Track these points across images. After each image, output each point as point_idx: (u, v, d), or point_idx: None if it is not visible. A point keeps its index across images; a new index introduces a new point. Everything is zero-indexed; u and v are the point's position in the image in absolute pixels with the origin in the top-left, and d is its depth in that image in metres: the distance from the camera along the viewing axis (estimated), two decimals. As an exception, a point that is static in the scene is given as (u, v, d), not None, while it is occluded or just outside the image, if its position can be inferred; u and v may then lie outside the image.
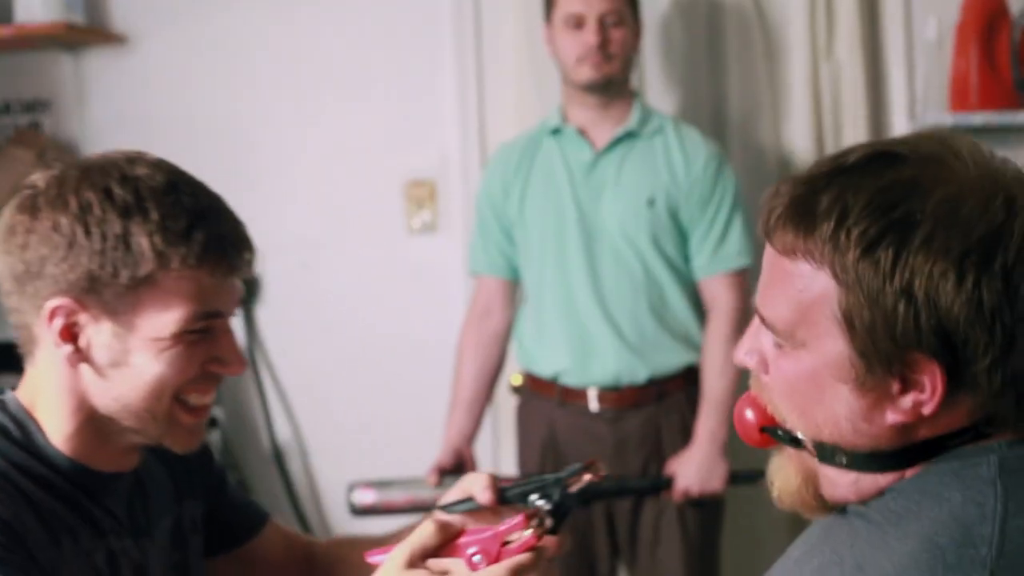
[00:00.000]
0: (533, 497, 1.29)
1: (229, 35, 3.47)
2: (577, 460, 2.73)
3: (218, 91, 3.49)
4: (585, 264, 2.69)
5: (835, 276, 1.02)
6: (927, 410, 1.03)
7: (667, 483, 2.64)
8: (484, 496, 1.32)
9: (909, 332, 1.00)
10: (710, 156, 2.71)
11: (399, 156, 3.39)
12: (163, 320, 1.28)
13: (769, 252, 1.09)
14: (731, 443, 2.66)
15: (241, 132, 3.48)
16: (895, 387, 1.03)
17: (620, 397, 2.69)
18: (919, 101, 3.09)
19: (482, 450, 3.11)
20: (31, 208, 1.28)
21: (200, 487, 1.52)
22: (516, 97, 3.24)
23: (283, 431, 3.51)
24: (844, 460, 1.08)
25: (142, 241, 1.25)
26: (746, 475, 2.68)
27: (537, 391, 2.77)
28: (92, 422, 1.32)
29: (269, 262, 3.45)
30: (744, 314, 2.67)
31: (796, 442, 1.11)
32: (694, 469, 2.62)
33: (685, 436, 2.67)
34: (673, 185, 2.69)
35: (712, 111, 3.17)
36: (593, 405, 2.69)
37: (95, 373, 1.30)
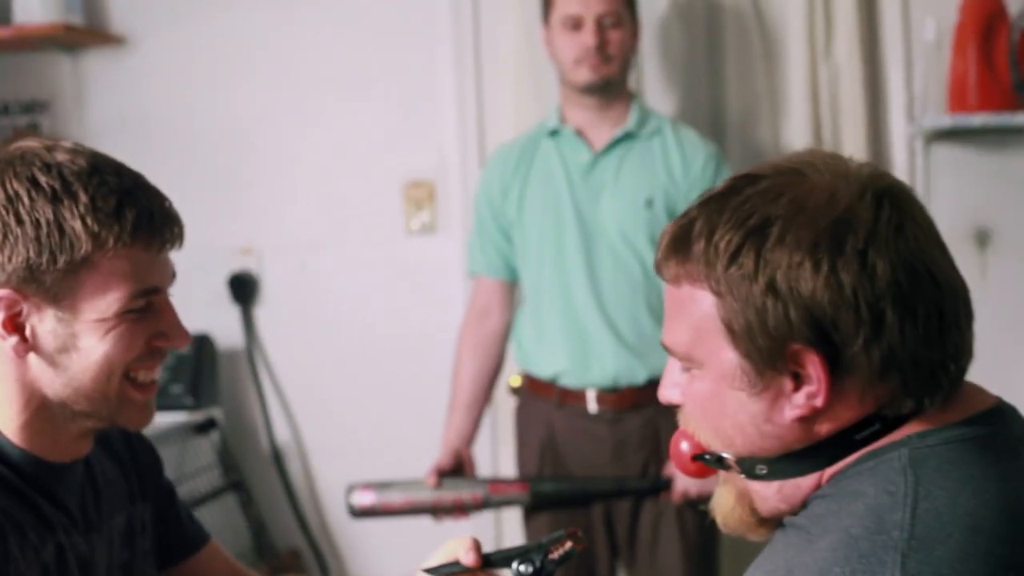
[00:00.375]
0: (515, 564, 1.35)
1: (228, 36, 3.48)
2: (576, 462, 2.76)
3: (217, 92, 3.49)
4: (584, 265, 2.69)
5: (712, 290, 1.10)
6: (819, 402, 1.08)
7: (666, 484, 2.64)
8: (468, 558, 1.36)
9: (781, 325, 1.06)
10: (708, 157, 2.71)
11: (398, 157, 3.40)
12: (105, 301, 1.30)
13: (665, 288, 1.16)
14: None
15: (240, 133, 3.48)
16: (788, 386, 1.09)
17: (619, 398, 2.68)
18: (917, 102, 3.09)
19: (481, 451, 3.11)
20: None
21: (151, 491, 1.53)
22: (515, 98, 3.24)
23: (282, 432, 3.51)
24: (764, 470, 1.14)
25: (75, 224, 1.27)
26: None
27: (535, 392, 2.77)
28: (43, 411, 1.33)
29: (268, 262, 3.46)
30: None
31: (722, 462, 1.16)
32: (693, 470, 2.62)
33: (684, 437, 2.67)
34: (671, 186, 2.69)
35: (711, 112, 3.17)
36: (592, 407, 2.69)
37: (43, 362, 1.31)
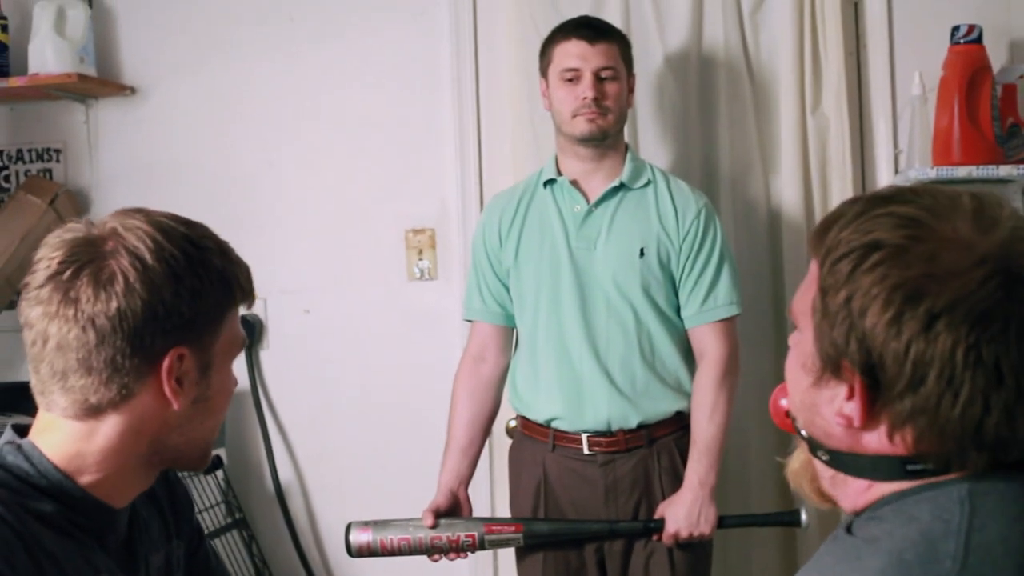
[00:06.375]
0: None
1: (234, 86, 3.53)
2: (569, 502, 2.77)
3: (224, 140, 3.54)
4: (578, 312, 2.70)
5: (820, 278, 1.15)
6: (856, 422, 1.13)
7: (658, 526, 2.63)
8: None
9: (843, 341, 1.12)
10: (699, 208, 2.72)
11: (400, 205, 3.43)
12: (233, 352, 1.36)
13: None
14: (720, 487, 2.68)
15: (246, 179, 3.52)
16: (843, 393, 1.14)
17: (612, 441, 2.69)
18: (903, 155, 3.10)
19: (479, 490, 3.14)
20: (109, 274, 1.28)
21: (185, 530, 1.54)
22: (513, 149, 3.28)
23: (285, 471, 3.53)
24: (825, 457, 1.20)
25: (238, 276, 1.33)
26: (735, 519, 2.69)
27: (530, 434, 2.77)
28: (133, 459, 1.33)
29: (273, 307, 3.51)
30: (733, 361, 2.69)
31: (799, 430, 1.23)
32: (684, 513, 2.62)
33: (675, 479, 2.67)
34: (664, 236, 2.70)
35: (704, 164, 3.20)
36: (585, 449, 2.70)
37: (180, 414, 1.32)
